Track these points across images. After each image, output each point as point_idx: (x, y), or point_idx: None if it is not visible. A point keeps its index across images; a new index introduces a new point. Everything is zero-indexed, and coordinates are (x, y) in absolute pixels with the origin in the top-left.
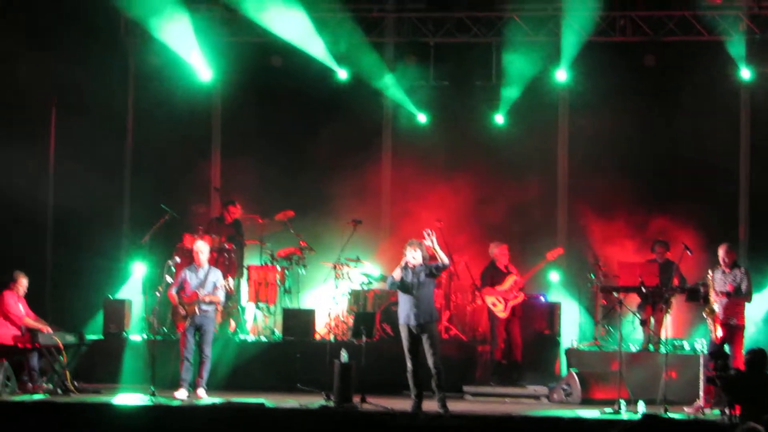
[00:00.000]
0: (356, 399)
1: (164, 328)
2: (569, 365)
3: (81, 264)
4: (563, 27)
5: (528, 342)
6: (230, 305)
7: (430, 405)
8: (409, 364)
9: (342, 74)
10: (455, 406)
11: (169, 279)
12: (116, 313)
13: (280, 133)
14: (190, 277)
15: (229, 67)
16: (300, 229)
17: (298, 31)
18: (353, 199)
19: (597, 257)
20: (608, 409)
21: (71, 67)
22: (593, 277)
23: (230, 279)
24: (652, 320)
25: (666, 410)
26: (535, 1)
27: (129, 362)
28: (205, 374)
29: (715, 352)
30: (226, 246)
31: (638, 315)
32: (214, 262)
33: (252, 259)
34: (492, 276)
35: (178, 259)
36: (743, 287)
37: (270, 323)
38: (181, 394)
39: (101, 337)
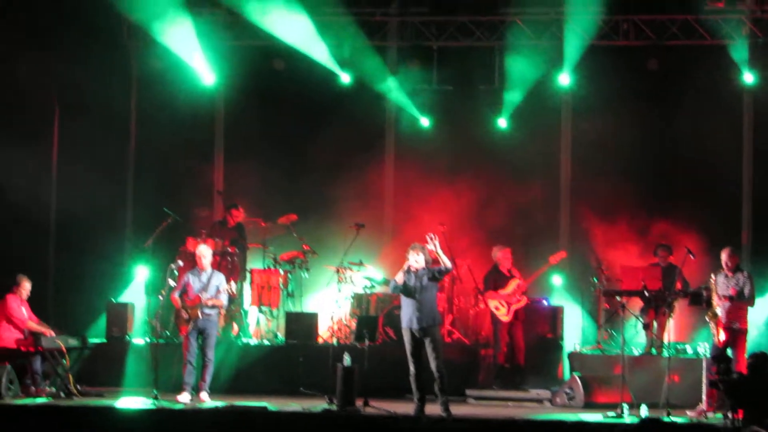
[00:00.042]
0: (359, 402)
1: (167, 332)
2: (572, 369)
3: (84, 267)
4: (566, 31)
5: (531, 346)
6: (233, 309)
7: (433, 409)
8: (411, 368)
9: (345, 78)
10: (458, 409)
11: (172, 282)
12: (119, 316)
13: (283, 137)
14: (193, 281)
15: (232, 71)
16: (303, 233)
17: (300, 34)
18: (356, 202)
19: (600, 261)
20: (611, 413)
21: (74, 70)
22: (596, 280)
23: (233, 283)
24: (655, 324)
25: (669, 414)
26: (538, 4)
27: (132, 366)
28: (208, 378)
29: (718, 355)
30: (229, 249)
31: (641, 319)
32: (217, 265)
33: (255, 262)
34: (495, 280)
35: (181, 263)
36: (746, 291)
37: (273, 327)
38: (184, 398)
39: (104, 340)
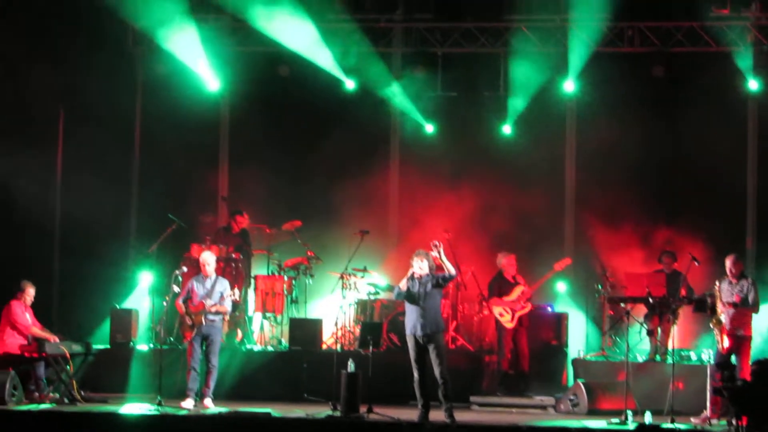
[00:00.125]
0: (363, 409)
1: (171, 338)
2: (576, 375)
3: (88, 273)
4: (571, 37)
5: (535, 352)
6: (237, 315)
7: (437, 415)
8: (415, 374)
9: (349, 84)
10: (462, 416)
11: (176, 289)
12: (123, 322)
13: (287, 143)
14: (198, 287)
15: (236, 77)
16: (307, 239)
17: (305, 40)
18: (361, 209)
19: (604, 268)
20: (615, 420)
21: (79, 76)
22: (600, 287)
23: (236, 290)
24: (659, 331)
25: (673, 421)
26: (543, 11)
27: (136, 372)
28: (212, 384)
29: (722, 362)
30: (234, 256)
31: (645, 325)
32: (221, 271)
33: (259, 268)
34: (499, 286)
35: (185, 269)
36: (750, 298)
37: (277, 333)
38: (188, 404)
39: (108, 346)
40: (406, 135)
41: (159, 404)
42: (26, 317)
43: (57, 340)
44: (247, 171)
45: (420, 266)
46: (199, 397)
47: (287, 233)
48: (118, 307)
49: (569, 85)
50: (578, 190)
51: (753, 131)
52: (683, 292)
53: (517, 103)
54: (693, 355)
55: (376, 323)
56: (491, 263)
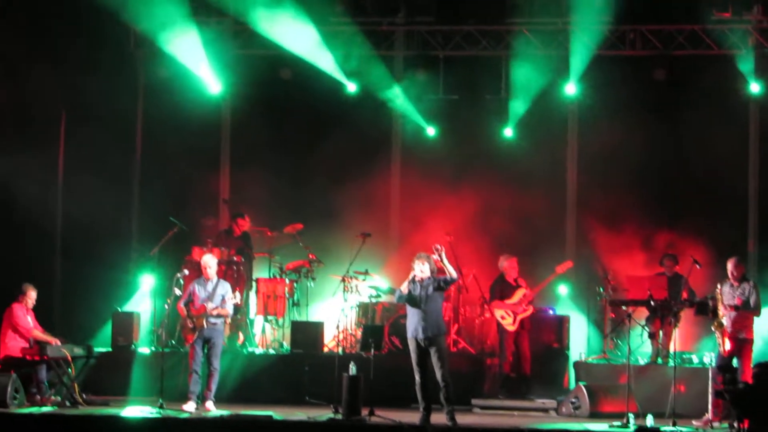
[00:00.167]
0: (365, 412)
1: (173, 341)
2: (578, 378)
3: (89, 276)
4: (572, 40)
5: (536, 355)
6: (239, 318)
7: (439, 418)
8: (417, 377)
9: (351, 87)
10: (464, 418)
11: (177, 292)
12: (125, 325)
13: (289, 146)
14: (199, 290)
15: (238, 80)
16: (309, 242)
17: (307, 43)
18: (362, 211)
19: (606, 270)
20: (617, 423)
21: (81, 79)
22: (602, 290)
23: (237, 293)
24: (661, 333)
25: (674, 423)
26: (545, 14)
27: (137, 375)
28: (214, 387)
29: (724, 365)
30: (235, 259)
31: (647, 328)
32: (222, 274)
33: (261, 271)
34: (501, 289)
35: (186, 272)
36: (752, 301)
37: (278, 336)
38: (190, 407)
39: (110, 349)
40: (408, 138)
41: (160, 407)
42: (28, 320)
43: (58, 343)
44: (249, 174)
45: (421, 269)
46: (201, 400)
47: (289, 236)
48: (119, 310)
49: (571, 88)
50: (580, 193)
51: (754, 134)
52: (685, 295)
53: (518, 106)
54: (695, 358)
55: (378, 326)
56: (493, 266)
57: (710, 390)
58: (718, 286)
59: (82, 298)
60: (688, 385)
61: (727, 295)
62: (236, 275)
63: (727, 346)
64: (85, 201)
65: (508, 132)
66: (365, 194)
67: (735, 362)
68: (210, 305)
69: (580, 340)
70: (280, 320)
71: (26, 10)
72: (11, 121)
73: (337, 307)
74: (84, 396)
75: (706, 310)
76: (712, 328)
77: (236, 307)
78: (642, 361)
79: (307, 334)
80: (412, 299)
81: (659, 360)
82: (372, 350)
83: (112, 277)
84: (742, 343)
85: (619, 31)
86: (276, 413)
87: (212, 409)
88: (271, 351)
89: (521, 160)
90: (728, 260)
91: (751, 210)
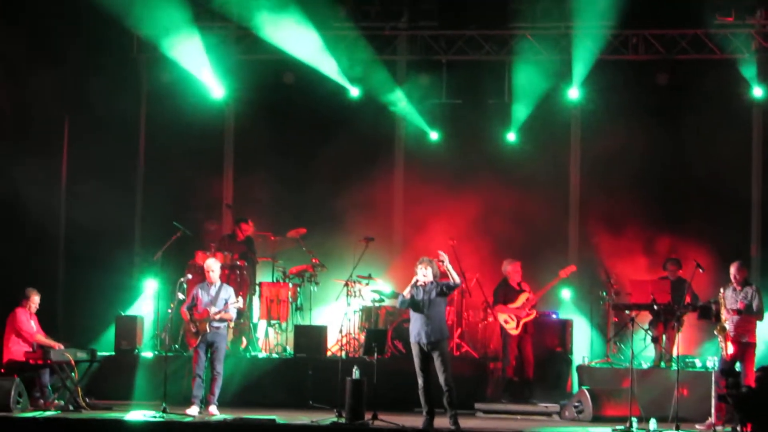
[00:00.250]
0: (368, 416)
1: (176, 345)
2: (581, 382)
3: (93, 280)
4: (575, 45)
5: (540, 359)
6: (242, 322)
7: (442, 422)
8: (420, 381)
9: (354, 91)
10: (467, 423)
11: (181, 296)
12: (128, 329)
13: (292, 150)
14: (202, 294)
15: (241, 85)
16: (312, 246)
17: (310, 48)
18: (365, 216)
19: (609, 274)
20: (620, 427)
21: (84, 83)
22: (605, 294)
23: (241, 297)
24: (664, 337)
25: (677, 427)
26: (548, 19)
27: (141, 379)
28: (217, 391)
29: (727, 369)
30: (239, 263)
31: (650, 332)
32: (226, 279)
33: (264, 276)
34: (504, 293)
35: (190, 276)
36: (754, 305)
37: (282, 340)
38: (193, 411)
39: (113, 353)
40: (411, 142)
41: (164, 411)
42: (31, 325)
43: (61, 347)
44: (252, 178)
45: (424, 274)
46: (204, 404)
47: (292, 240)
48: (122, 314)
49: (574, 93)
50: (583, 197)
51: (758, 138)
52: (688, 299)
53: (521, 111)
54: (698, 362)
55: (381, 330)
56: (496, 270)
57: (713, 394)
58: (721, 290)
59: (86, 302)
60: (691, 389)
61: (730, 299)
62: (239, 279)
63: (730, 350)
64: (89, 205)
65: (511, 136)
66: (368, 198)
67: (738, 366)
68: (213, 309)
69: (583, 344)
70: (284, 324)
71: (29, 15)
72: (15, 126)
73: (340, 312)
74: (87, 400)
75: (709, 314)
76: (715, 332)
77: (239, 312)
78: (645, 365)
79: (310, 338)
80: (415, 304)
81: (662, 364)
82: (375, 354)
83: (116, 281)
84: (744, 347)
85: (622, 35)
86: (279, 417)
87: (215, 413)
88: (275, 355)
89: (524, 165)
90: (731, 264)
91: (754, 214)
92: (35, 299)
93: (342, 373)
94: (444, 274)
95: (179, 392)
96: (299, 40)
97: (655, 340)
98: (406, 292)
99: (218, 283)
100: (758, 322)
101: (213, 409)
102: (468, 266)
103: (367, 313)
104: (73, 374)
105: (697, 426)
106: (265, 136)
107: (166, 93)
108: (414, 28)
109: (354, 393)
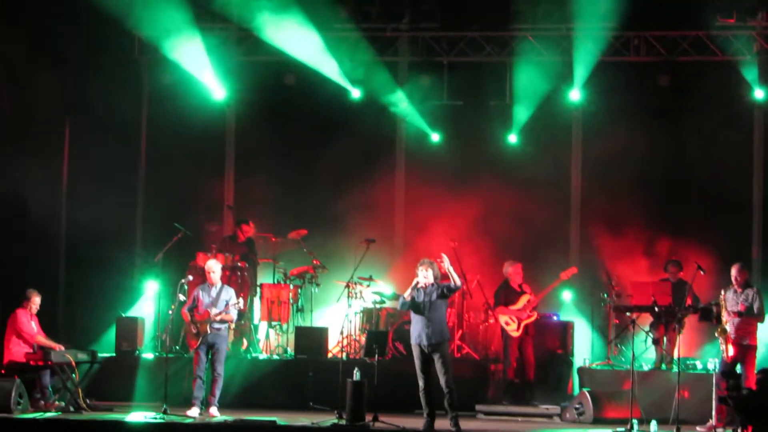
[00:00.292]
0: (368, 417)
1: (177, 346)
2: (581, 384)
3: (94, 281)
4: (577, 47)
5: (541, 361)
6: (243, 323)
7: (443, 424)
8: (421, 383)
9: (355, 93)
10: (467, 424)
11: (182, 297)
12: (129, 330)
13: (293, 152)
14: (203, 296)
15: (242, 86)
16: (313, 248)
17: (311, 50)
18: (366, 217)
19: (610, 276)
20: (620, 429)
21: (85, 85)
22: (606, 296)
23: (241, 298)
24: (665, 339)
25: (678, 429)
26: (549, 20)
27: (141, 380)
28: (218, 392)
29: (727, 371)
30: (239, 264)
31: (651, 334)
32: (227, 280)
33: (265, 277)
34: (505, 295)
35: (191, 278)
36: (755, 307)
37: (282, 341)
38: (194, 412)
39: (114, 354)
40: (412, 144)
41: (164, 413)
42: (32, 326)
43: (62, 348)
44: (253, 180)
45: (425, 275)
46: (205, 405)
47: (293, 242)
48: (123, 315)
49: (575, 95)
50: (584, 199)
51: (759, 140)
52: (689, 301)
53: (522, 112)
54: (698, 364)
55: (382, 332)
56: (497, 272)
57: (714, 396)
58: (722, 292)
59: (86, 303)
60: (692, 391)
61: (731, 301)
62: (240, 281)
63: (731, 352)
64: (90, 206)
65: (513, 138)
66: (369, 200)
67: (739, 368)
68: (214, 311)
69: (584, 346)
70: (284, 326)
71: (30, 16)
72: (16, 128)
73: (341, 313)
74: (88, 401)
75: (710, 316)
76: (716, 334)
77: (240, 313)
78: (646, 367)
79: (311, 339)
80: (415, 306)
81: (663, 366)
82: (376, 356)
83: (117, 282)
84: (745, 349)
85: (623, 37)
86: (280, 419)
87: (216, 415)
88: (275, 356)
89: (525, 166)
90: (732, 266)
91: (756, 216)
92: (36, 300)
93: (343, 375)
94: (445, 276)
95: (180, 394)
96: (300, 42)
97: (656, 342)
98: (407, 294)
99: (219, 284)
100: (759, 324)
101: (214, 410)
102: (469, 268)
103: (368, 314)
104: (73, 375)
105: (697, 428)
106: (266, 138)
107: (167, 94)
108: (415, 30)
109: (355, 394)
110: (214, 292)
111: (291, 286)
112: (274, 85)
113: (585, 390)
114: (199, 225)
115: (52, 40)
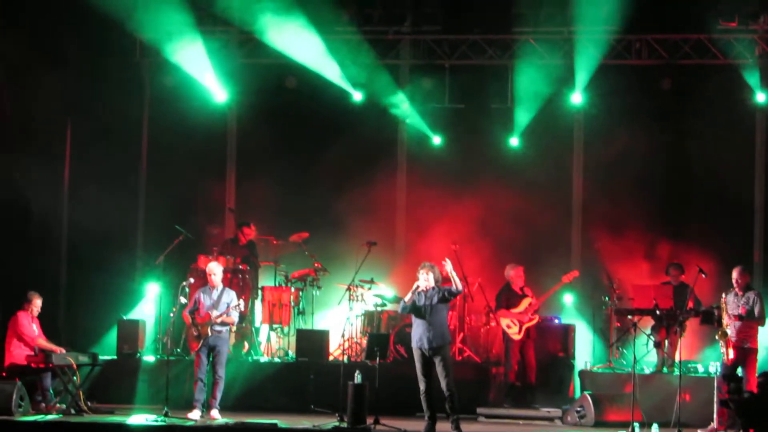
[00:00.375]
0: (370, 420)
1: (178, 349)
2: (583, 387)
3: (95, 284)
4: (578, 50)
5: (542, 364)
6: (244, 326)
7: (444, 427)
8: (422, 386)
9: (357, 96)
10: (469, 427)
11: (183, 300)
12: (130, 333)
13: (294, 155)
14: (204, 298)
15: (243, 89)
16: (314, 250)
17: (312, 52)
18: (368, 220)
19: (611, 279)
20: None
21: (87, 87)
22: (607, 299)
23: (242, 301)
24: (666, 342)
25: None
26: (551, 24)
27: (142, 383)
28: (219, 395)
29: (729, 374)
30: (241, 267)
31: (652, 337)
32: (228, 283)
33: (266, 280)
34: (507, 298)
35: (192, 280)
36: (756, 310)
37: (284, 344)
38: (195, 415)
39: (115, 357)
40: (413, 147)
41: (166, 415)
42: (33, 328)
43: (63, 351)
44: (254, 182)
45: (426, 279)
46: (206, 408)
47: (294, 244)
48: (124, 317)
49: (576, 98)
50: (585, 202)
51: (760, 144)
52: (690, 305)
53: (524, 115)
54: (700, 367)
55: (383, 335)
56: (498, 275)
57: (715, 399)
58: (723, 295)
59: (88, 305)
60: (694, 394)
61: (732, 304)
62: (242, 283)
63: (731, 355)
64: (91, 209)
65: (514, 141)
66: (371, 203)
67: (740, 371)
68: (215, 313)
69: (586, 349)
70: (286, 328)
71: (32, 18)
72: (17, 130)
73: (342, 316)
74: (89, 404)
75: (711, 320)
76: (717, 338)
77: (241, 316)
78: (647, 370)
79: (312, 342)
80: (416, 310)
81: (664, 369)
82: (377, 359)
83: (118, 284)
84: (746, 353)
85: (625, 40)
86: (281, 422)
87: (217, 418)
88: (277, 359)
89: (527, 169)
90: (733, 269)
91: (757, 220)
92: (37, 302)
93: (344, 378)
94: (446, 279)
95: (181, 396)
96: (302, 45)
97: (658, 345)
98: (408, 298)
99: (220, 286)
100: (760, 328)
101: (215, 413)
102: (470, 271)
103: (369, 317)
104: (74, 378)
105: (699, 431)
106: (268, 140)
107: (168, 97)
108: (417, 33)
109: (356, 397)
110: (215, 294)
111: (292, 289)
112: (276, 87)
113: (586, 393)
114: (200, 227)
115: (54, 42)
